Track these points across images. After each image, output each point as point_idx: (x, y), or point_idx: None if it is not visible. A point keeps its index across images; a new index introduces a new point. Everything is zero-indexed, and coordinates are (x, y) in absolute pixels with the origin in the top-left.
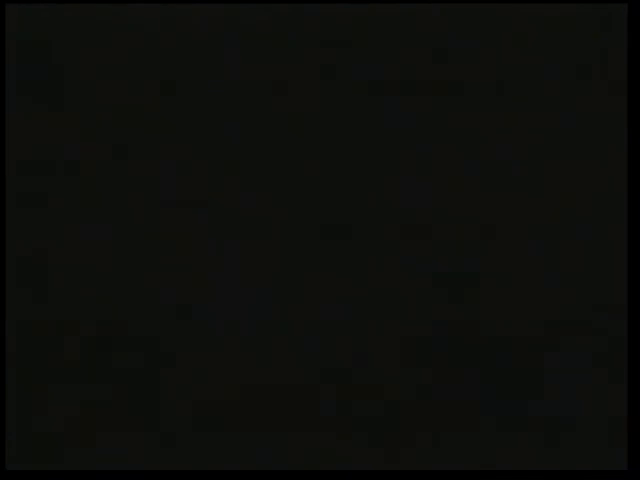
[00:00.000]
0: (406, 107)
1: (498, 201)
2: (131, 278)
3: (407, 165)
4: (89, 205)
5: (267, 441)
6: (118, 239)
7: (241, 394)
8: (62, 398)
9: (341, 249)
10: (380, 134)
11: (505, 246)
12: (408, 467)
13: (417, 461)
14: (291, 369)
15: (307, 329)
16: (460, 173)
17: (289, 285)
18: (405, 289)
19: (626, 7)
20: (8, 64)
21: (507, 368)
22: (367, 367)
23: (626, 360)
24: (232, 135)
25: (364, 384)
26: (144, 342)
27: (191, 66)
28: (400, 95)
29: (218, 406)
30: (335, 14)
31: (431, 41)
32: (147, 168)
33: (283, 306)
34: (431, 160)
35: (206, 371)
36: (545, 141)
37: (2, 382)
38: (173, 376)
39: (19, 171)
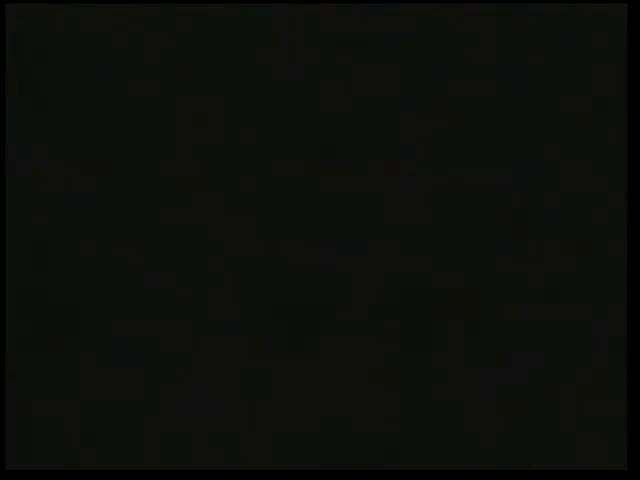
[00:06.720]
0: (406, 106)
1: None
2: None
3: (407, 165)
4: (89, 205)
5: None
6: (118, 237)
7: None
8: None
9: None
10: (379, 135)
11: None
12: None
13: None
14: None
15: None
16: (459, 173)
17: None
18: None
19: (626, 7)
20: (8, 64)
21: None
22: None
23: (626, 359)
24: (231, 135)
25: None
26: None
27: (191, 66)
28: (400, 94)
29: None
30: (335, 14)
31: (430, 41)
32: (147, 167)
33: None
34: (430, 161)
35: None
36: (545, 142)
37: (2, 383)
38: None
39: (19, 171)
